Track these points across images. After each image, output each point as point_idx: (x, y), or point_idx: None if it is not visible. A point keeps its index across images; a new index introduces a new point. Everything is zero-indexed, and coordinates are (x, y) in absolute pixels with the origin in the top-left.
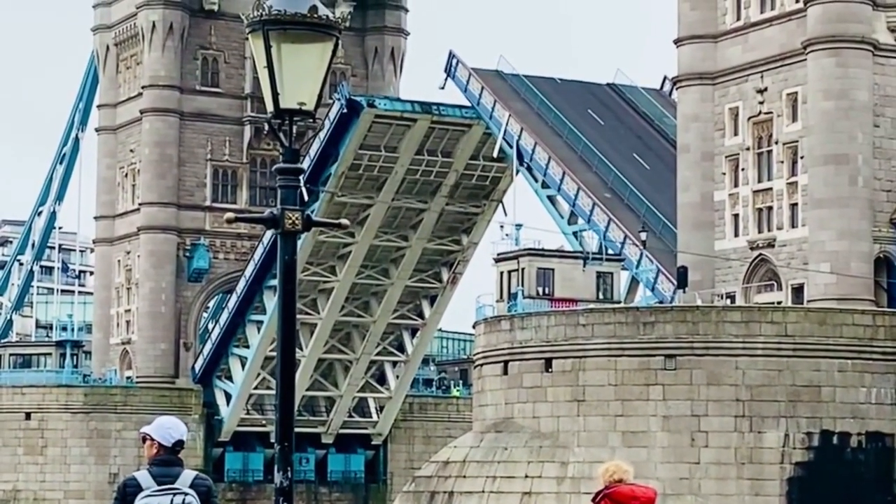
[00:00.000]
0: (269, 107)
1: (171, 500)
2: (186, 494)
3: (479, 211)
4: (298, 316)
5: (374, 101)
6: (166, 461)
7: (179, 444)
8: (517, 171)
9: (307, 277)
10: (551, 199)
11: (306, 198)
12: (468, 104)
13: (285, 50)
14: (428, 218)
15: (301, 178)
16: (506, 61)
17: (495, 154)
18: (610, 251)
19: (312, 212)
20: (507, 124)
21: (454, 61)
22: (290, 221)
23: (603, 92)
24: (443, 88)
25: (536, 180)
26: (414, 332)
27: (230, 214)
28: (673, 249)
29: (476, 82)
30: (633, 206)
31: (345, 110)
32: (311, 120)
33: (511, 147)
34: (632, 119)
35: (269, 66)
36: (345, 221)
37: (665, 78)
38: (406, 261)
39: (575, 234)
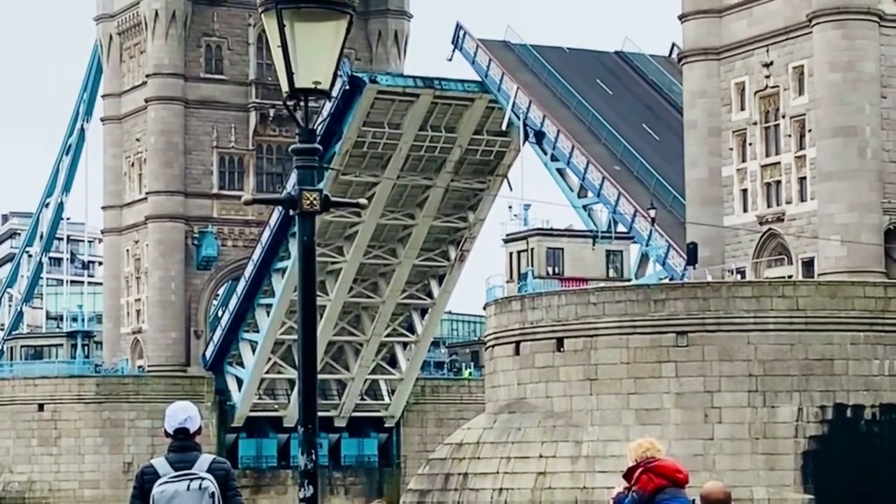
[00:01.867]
0: (284, 86)
1: (189, 486)
2: (203, 479)
3: (485, 186)
4: None
5: (377, 77)
6: (182, 447)
7: (183, 431)
8: (524, 143)
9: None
10: (561, 172)
11: None
12: (473, 78)
13: (299, 29)
14: (433, 195)
15: (316, 158)
16: (513, 31)
17: (503, 127)
18: (620, 225)
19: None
20: (515, 97)
21: (461, 33)
22: (308, 202)
23: (611, 60)
24: (450, 60)
25: (546, 153)
26: (423, 312)
27: (247, 196)
28: (683, 222)
29: (483, 54)
30: (642, 178)
31: (347, 87)
32: (327, 100)
33: (519, 119)
34: (640, 88)
35: (283, 46)
36: (362, 201)
37: (673, 45)
38: (413, 239)
39: (585, 207)
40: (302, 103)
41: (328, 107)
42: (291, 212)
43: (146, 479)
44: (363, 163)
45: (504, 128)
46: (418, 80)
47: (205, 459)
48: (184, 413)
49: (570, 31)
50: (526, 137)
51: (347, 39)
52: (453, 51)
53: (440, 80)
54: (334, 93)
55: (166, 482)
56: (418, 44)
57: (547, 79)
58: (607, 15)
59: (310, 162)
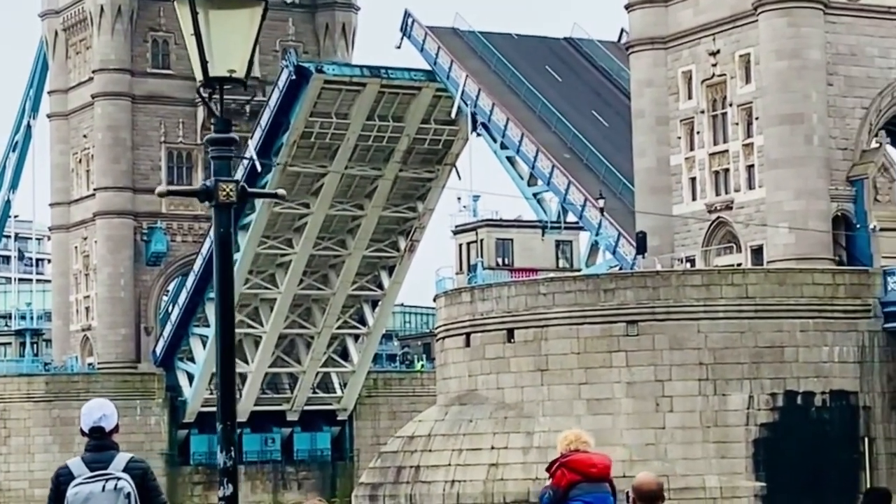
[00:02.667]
0: (199, 75)
1: (104, 486)
2: (119, 479)
3: (433, 176)
4: (257, 291)
5: (323, 67)
6: (98, 446)
7: (98, 430)
8: (475, 132)
9: (264, 251)
10: (510, 160)
11: (259, 169)
12: (421, 67)
13: (213, 16)
14: (382, 185)
15: (233, 148)
16: (462, 18)
17: (453, 115)
18: (570, 214)
19: (266, 184)
20: (464, 85)
21: (410, 20)
22: (225, 193)
23: (560, 47)
24: (399, 48)
25: (495, 141)
26: (374, 304)
27: (161, 188)
28: (634, 210)
29: (432, 41)
30: (592, 166)
31: (293, 77)
32: (243, 88)
33: (467, 106)
34: (590, 74)
35: (197, 34)
36: (281, 191)
37: (622, 31)
38: (362, 230)
39: (535, 195)
40: (217, 93)
41: (275, 98)
42: (207, 203)
43: (61, 480)
44: (311, 154)
45: (453, 116)
46: (365, 69)
47: (121, 459)
48: (99, 411)
49: (518, 18)
50: (474, 128)
51: (295, 33)
52: (402, 38)
53: (387, 69)
54: (280, 83)
55: (81, 483)
56: (367, 36)
57: (496, 66)
58: (556, 1)
59: (225, 152)
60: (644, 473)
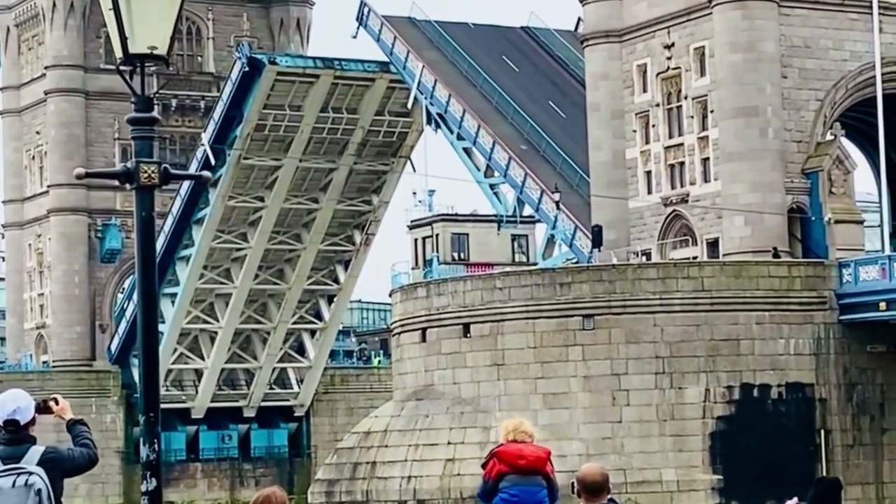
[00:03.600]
0: (118, 52)
1: (14, 482)
2: (31, 473)
3: (388, 168)
4: (212, 286)
5: (276, 59)
6: (13, 440)
7: (13, 423)
8: (432, 125)
9: (219, 245)
10: (467, 151)
11: (213, 161)
12: (376, 59)
13: None
14: (337, 178)
15: (154, 128)
16: (418, 7)
17: (409, 105)
18: (526, 208)
19: (220, 176)
20: (420, 75)
21: (366, 10)
22: (146, 175)
23: (517, 36)
24: (355, 37)
25: (452, 132)
26: (330, 299)
27: (79, 170)
28: (590, 202)
29: (388, 31)
30: (549, 158)
31: (246, 69)
32: (165, 66)
33: (424, 98)
34: (547, 64)
35: (116, 8)
36: (206, 173)
37: (579, 20)
38: (318, 224)
39: (491, 187)
40: (138, 71)
41: (228, 90)
42: (129, 186)
43: None
44: (265, 146)
45: (409, 107)
46: (318, 60)
47: (35, 452)
48: (13, 403)
49: (475, 6)
50: (429, 122)
51: (250, 29)
52: (358, 28)
53: (340, 60)
54: (233, 75)
55: None
56: (322, 32)
57: (453, 56)
58: None
59: (147, 132)
60: (589, 465)
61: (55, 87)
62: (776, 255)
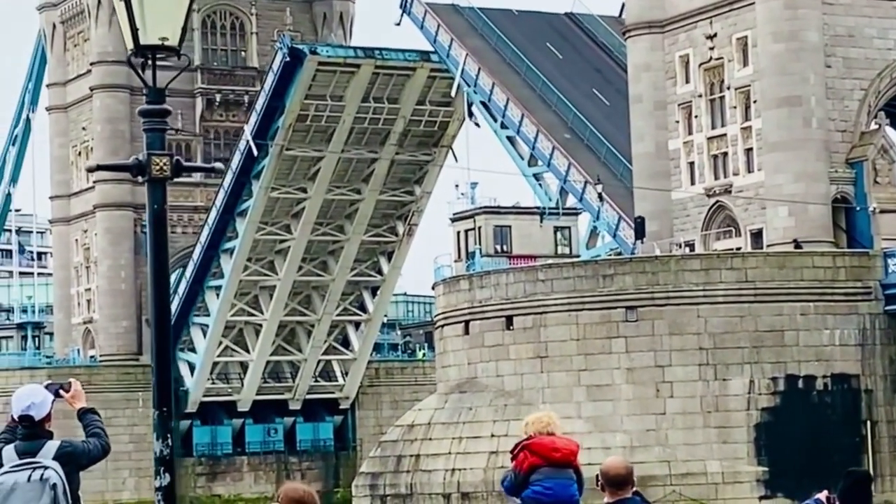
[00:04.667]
0: (129, 44)
1: (30, 476)
2: (46, 468)
3: (430, 158)
4: (257, 278)
5: (317, 49)
6: (30, 434)
7: (27, 419)
8: (472, 118)
9: (263, 237)
10: (511, 139)
11: (255, 153)
12: (418, 48)
13: None
14: (379, 168)
15: (167, 119)
16: None
17: (453, 93)
18: (569, 198)
19: (263, 168)
20: (464, 63)
21: None
22: (158, 167)
23: (561, 22)
24: (398, 25)
25: (495, 121)
26: (374, 290)
27: (90, 163)
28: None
29: (432, 18)
30: (593, 146)
31: (287, 59)
32: (176, 57)
33: (468, 86)
34: (590, 50)
35: (127, 0)
36: (219, 165)
37: (623, 5)
38: (360, 215)
39: (535, 176)
40: (150, 62)
41: (269, 81)
42: (140, 178)
43: None
44: (307, 137)
45: (453, 94)
46: (359, 50)
47: (51, 447)
48: (28, 399)
49: None
50: (470, 116)
51: (293, 23)
52: (401, 15)
53: (381, 49)
54: (275, 66)
55: (7, 472)
56: (364, 24)
57: (496, 43)
58: None
59: (158, 125)
60: (612, 458)
61: (100, 83)
62: (797, 247)
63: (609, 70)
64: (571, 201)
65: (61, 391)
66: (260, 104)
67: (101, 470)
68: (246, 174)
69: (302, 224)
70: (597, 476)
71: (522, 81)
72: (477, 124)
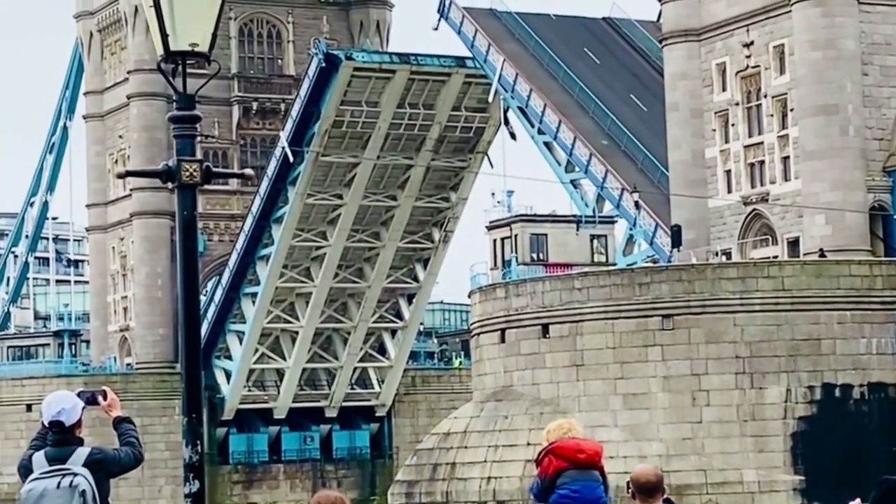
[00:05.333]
0: (159, 49)
1: (59, 483)
2: (76, 475)
3: (466, 165)
4: (293, 285)
5: (352, 54)
6: (60, 441)
7: (58, 425)
8: (505, 122)
9: (298, 244)
10: (548, 145)
11: (291, 159)
12: (454, 53)
13: None
14: (415, 175)
15: (197, 126)
16: None
17: (490, 99)
18: (606, 205)
19: (298, 174)
20: (502, 68)
21: (447, 2)
22: (188, 174)
23: (598, 27)
24: (436, 29)
25: (533, 126)
26: (410, 298)
27: (121, 170)
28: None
29: (469, 23)
30: (630, 153)
31: (323, 65)
32: (206, 63)
33: (506, 91)
34: (628, 55)
35: (157, 6)
36: (248, 171)
37: (661, 10)
38: (396, 221)
39: (572, 182)
40: (179, 69)
41: (305, 86)
42: (170, 184)
43: (21, 473)
44: (343, 143)
45: (490, 100)
46: (394, 56)
47: (81, 453)
48: (57, 405)
49: None
50: (506, 123)
51: (329, 31)
52: (439, 20)
53: (416, 55)
54: (311, 72)
55: (37, 479)
56: (401, 30)
57: (534, 48)
58: None
59: (188, 131)
60: (643, 465)
61: (137, 91)
62: (822, 256)
63: (646, 75)
64: (608, 208)
65: (99, 398)
66: (296, 110)
67: (138, 478)
68: (282, 181)
69: (338, 230)
70: (627, 483)
71: (560, 87)
72: (512, 134)
